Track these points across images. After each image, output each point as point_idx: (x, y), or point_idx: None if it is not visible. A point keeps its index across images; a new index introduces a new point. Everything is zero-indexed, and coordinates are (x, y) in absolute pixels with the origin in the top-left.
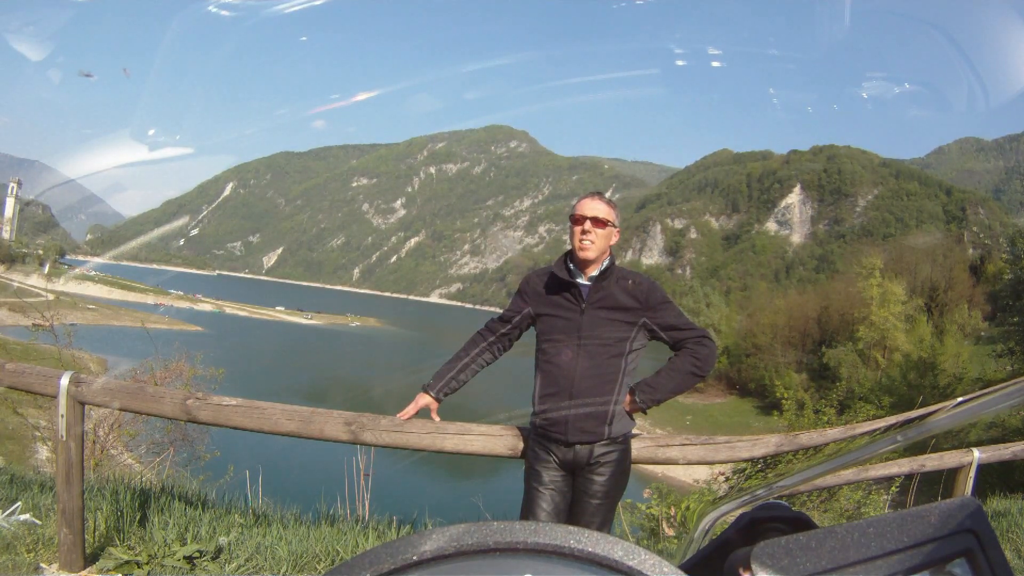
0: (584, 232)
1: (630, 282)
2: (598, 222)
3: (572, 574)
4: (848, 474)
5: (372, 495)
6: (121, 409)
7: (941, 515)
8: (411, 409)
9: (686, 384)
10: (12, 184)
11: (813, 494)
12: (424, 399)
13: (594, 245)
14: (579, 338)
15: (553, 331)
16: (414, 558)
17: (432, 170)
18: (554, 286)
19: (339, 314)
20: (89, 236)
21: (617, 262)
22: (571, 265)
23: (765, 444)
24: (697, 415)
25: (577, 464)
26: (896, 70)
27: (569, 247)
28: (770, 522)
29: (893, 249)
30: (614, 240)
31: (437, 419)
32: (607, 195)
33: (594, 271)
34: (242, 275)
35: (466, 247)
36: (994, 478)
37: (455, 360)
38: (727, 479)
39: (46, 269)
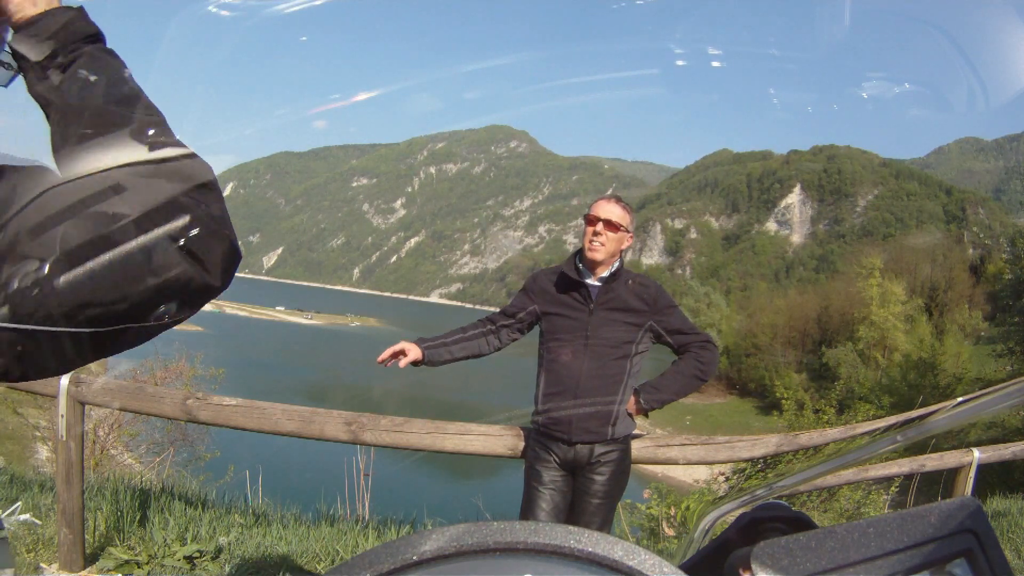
0: (596, 234)
1: (638, 284)
2: (611, 225)
3: (572, 574)
4: (848, 474)
5: (372, 495)
6: (121, 409)
7: (941, 515)
8: (391, 350)
9: (690, 387)
10: None
11: (813, 494)
12: (410, 345)
13: (604, 248)
14: (585, 338)
15: (559, 330)
16: (414, 558)
17: (432, 170)
18: (563, 285)
19: (339, 314)
20: None
21: None
22: (580, 265)
23: (765, 444)
24: (697, 415)
25: (577, 464)
26: (896, 70)
27: (570, 247)
28: (770, 522)
29: (893, 249)
30: (626, 245)
31: (403, 365)
32: (607, 195)
33: (604, 272)
34: (242, 275)
35: (466, 247)
36: (994, 478)
37: (452, 332)
38: (727, 479)
39: None
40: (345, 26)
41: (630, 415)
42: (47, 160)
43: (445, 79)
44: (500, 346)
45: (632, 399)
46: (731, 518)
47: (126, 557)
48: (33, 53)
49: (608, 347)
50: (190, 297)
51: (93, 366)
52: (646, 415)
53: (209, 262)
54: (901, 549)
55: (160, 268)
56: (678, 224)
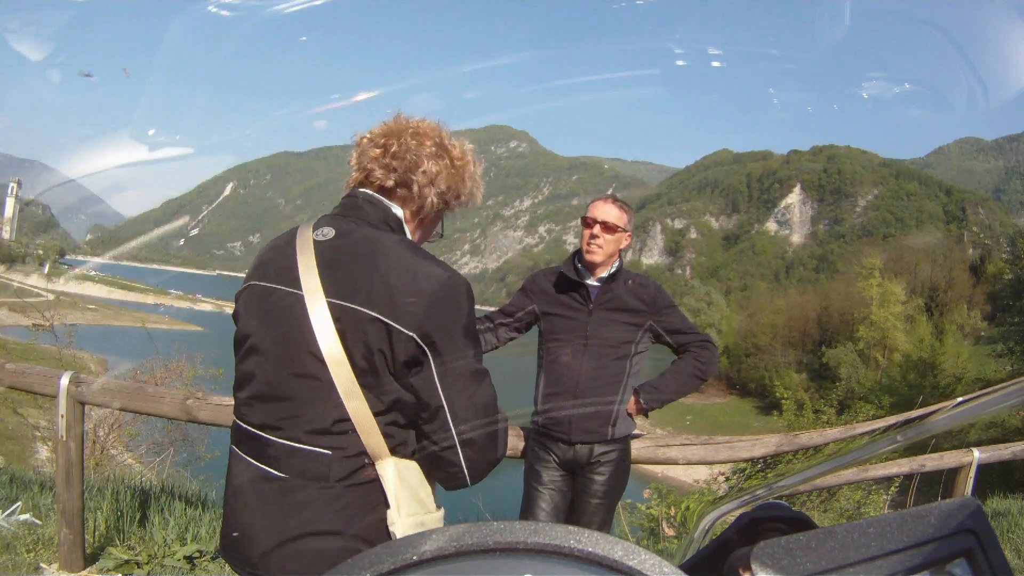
0: (593, 236)
1: (637, 284)
2: (607, 227)
3: (572, 574)
4: (848, 474)
5: None
6: (121, 409)
7: (941, 515)
8: None
9: (690, 387)
10: (12, 184)
11: (813, 494)
12: None
13: (601, 250)
14: (585, 338)
15: (558, 331)
16: (414, 558)
17: None
18: (562, 285)
19: None
20: (89, 236)
21: None
22: (579, 265)
23: (765, 444)
24: (697, 415)
25: (577, 464)
26: (896, 70)
27: (570, 247)
28: (770, 522)
29: (893, 249)
30: (624, 245)
31: None
32: (604, 196)
33: (603, 272)
34: (243, 275)
35: (466, 247)
36: (994, 478)
37: None
38: (727, 479)
39: (46, 269)
40: (345, 26)
41: (630, 415)
42: (47, 160)
43: (445, 79)
44: (497, 344)
45: (632, 399)
46: (731, 518)
47: (126, 557)
48: None
49: (607, 347)
50: (450, 486)
51: (93, 366)
52: (646, 415)
53: (476, 475)
54: (901, 549)
55: (450, 472)
56: (678, 224)
